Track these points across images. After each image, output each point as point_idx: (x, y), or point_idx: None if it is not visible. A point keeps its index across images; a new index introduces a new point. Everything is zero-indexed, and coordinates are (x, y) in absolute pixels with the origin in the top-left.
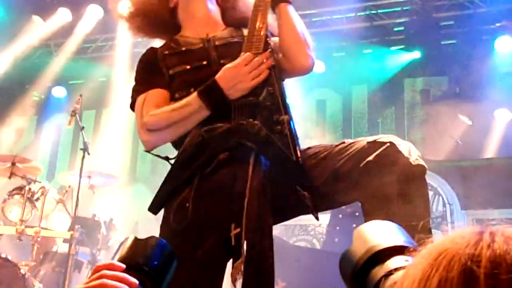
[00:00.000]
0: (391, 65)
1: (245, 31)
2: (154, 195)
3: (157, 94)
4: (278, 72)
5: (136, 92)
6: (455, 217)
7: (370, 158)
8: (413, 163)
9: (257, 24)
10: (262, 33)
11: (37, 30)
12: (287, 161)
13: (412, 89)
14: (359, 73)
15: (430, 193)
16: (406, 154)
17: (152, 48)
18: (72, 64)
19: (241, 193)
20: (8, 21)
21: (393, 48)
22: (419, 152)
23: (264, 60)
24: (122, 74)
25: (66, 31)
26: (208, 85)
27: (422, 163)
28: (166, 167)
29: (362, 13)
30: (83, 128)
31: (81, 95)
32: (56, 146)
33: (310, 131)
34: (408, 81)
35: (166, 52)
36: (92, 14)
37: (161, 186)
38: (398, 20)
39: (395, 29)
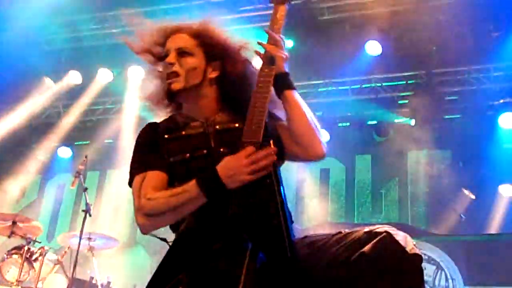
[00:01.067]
0: (396, 137)
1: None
2: (152, 262)
3: (155, 176)
4: (282, 157)
5: (135, 170)
6: None
7: (366, 248)
8: (409, 252)
9: (256, 109)
10: (261, 120)
11: (47, 91)
12: (282, 256)
13: (416, 161)
14: (363, 143)
15: (433, 267)
16: (402, 244)
17: (150, 125)
18: (79, 125)
19: None
20: (20, 82)
21: (397, 120)
22: (414, 242)
23: (265, 155)
24: (128, 136)
25: (75, 93)
26: (207, 173)
27: (418, 252)
28: (167, 232)
29: (368, 85)
30: (86, 189)
31: (86, 157)
32: (58, 206)
33: (314, 200)
34: (412, 154)
35: (166, 136)
36: (102, 77)
37: (156, 272)
38: (402, 93)
39: (400, 102)
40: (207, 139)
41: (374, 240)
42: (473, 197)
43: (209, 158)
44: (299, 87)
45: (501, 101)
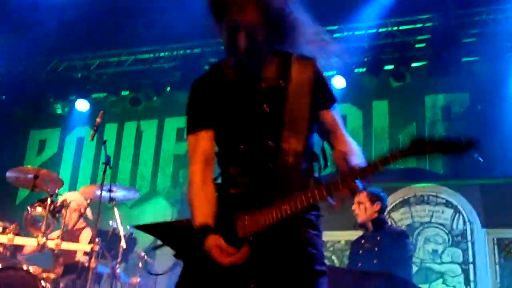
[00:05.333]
0: (412, 81)
1: (294, 65)
2: (173, 211)
3: (205, 138)
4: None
5: (188, 131)
6: (476, 235)
7: None
8: None
9: (283, 210)
10: (272, 223)
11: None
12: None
13: (433, 105)
14: (380, 89)
15: (450, 211)
16: None
17: (197, 83)
18: (95, 78)
19: None
20: None
21: (414, 64)
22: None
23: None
24: (144, 88)
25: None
26: (200, 231)
27: None
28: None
29: (384, 29)
30: (105, 142)
31: (103, 110)
32: (79, 159)
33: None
34: (429, 98)
35: (213, 91)
36: None
37: None
38: (419, 37)
39: (417, 45)
40: (252, 95)
41: None
42: (481, 159)
43: (252, 114)
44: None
45: None
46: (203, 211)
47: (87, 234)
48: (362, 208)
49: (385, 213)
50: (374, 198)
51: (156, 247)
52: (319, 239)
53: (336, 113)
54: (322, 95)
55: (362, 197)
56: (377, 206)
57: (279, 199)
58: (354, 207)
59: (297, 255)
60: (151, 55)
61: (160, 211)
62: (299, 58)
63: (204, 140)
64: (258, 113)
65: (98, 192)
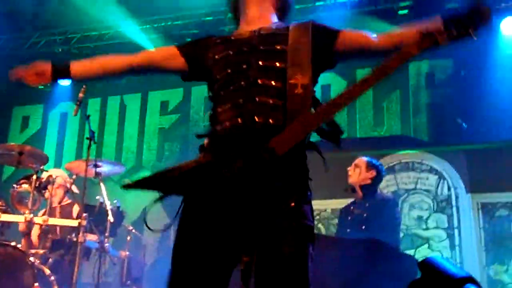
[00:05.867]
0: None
1: (291, 26)
2: None
3: (169, 50)
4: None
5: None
6: (460, 201)
7: None
8: None
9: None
10: (303, 134)
11: None
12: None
13: (417, 72)
14: None
15: (435, 177)
16: None
17: (210, 35)
18: (76, 53)
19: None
20: None
21: (401, 12)
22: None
23: None
24: None
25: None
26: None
27: None
28: (172, 155)
29: None
30: (88, 116)
31: (85, 85)
32: (63, 134)
33: None
34: (413, 65)
35: (218, 40)
36: None
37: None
38: (402, 4)
39: (400, 12)
40: (250, 40)
41: None
42: (465, 125)
43: (249, 54)
44: (296, 2)
45: (503, 5)
46: None
47: (75, 209)
48: (357, 171)
49: (377, 186)
50: (371, 165)
51: (145, 219)
52: (307, 206)
53: (349, 31)
54: (323, 33)
55: (360, 162)
56: (371, 174)
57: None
58: (350, 168)
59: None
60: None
61: None
62: (296, 24)
63: (161, 51)
64: (255, 55)
65: (84, 167)
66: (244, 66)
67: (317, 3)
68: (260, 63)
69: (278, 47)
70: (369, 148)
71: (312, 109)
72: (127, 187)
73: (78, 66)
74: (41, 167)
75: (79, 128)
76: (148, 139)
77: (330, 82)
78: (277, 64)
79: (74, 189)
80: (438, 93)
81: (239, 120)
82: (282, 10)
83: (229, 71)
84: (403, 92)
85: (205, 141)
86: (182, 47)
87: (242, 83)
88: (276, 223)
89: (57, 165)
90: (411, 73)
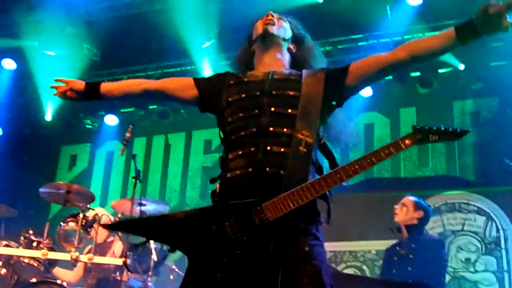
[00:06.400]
0: (440, 87)
1: (305, 72)
2: None
3: (184, 80)
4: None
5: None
6: (510, 243)
7: None
8: None
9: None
10: (295, 205)
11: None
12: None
13: (462, 111)
14: (407, 96)
15: (483, 218)
16: None
17: (227, 72)
18: None
19: None
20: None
21: (441, 70)
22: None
23: None
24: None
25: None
26: None
27: None
28: None
29: (409, 36)
30: (134, 156)
31: (132, 124)
32: (109, 173)
33: (358, 155)
34: (457, 103)
35: (232, 82)
36: None
37: None
38: None
39: None
40: (263, 84)
41: None
42: None
43: (261, 98)
44: (339, 42)
45: None
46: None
47: (118, 247)
48: (404, 210)
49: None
50: (419, 205)
51: (138, 245)
52: (321, 248)
53: (359, 60)
54: (335, 74)
55: (408, 201)
56: (419, 214)
57: (289, 185)
58: (397, 207)
59: (303, 270)
60: (178, 69)
61: None
62: (310, 71)
63: (176, 81)
64: (266, 102)
65: (129, 206)
66: (256, 111)
67: (360, 43)
68: (272, 109)
69: (291, 93)
70: (414, 188)
71: (312, 167)
72: (108, 227)
73: (105, 87)
74: (88, 206)
75: (125, 167)
76: (192, 178)
77: (373, 122)
78: (289, 110)
79: None
80: (484, 132)
81: (250, 169)
82: (299, 59)
83: (241, 115)
84: None
85: (217, 186)
86: (199, 81)
87: (254, 129)
88: (290, 271)
89: (103, 203)
90: (455, 111)
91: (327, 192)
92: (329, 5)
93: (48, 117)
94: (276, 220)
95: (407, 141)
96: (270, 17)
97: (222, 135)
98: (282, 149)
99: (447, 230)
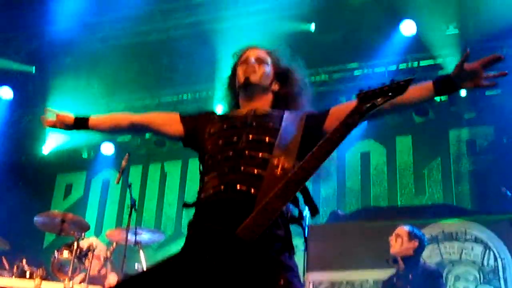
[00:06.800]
0: (436, 116)
1: (287, 112)
2: None
3: (171, 115)
4: None
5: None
6: (508, 272)
7: None
8: None
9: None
10: (267, 223)
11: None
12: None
13: (458, 139)
14: (403, 124)
15: (480, 247)
16: None
17: (212, 111)
18: None
19: None
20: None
21: (436, 99)
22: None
23: None
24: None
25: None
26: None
27: None
28: None
29: (404, 65)
30: (130, 185)
31: (128, 154)
32: (104, 202)
33: (355, 184)
34: (453, 132)
35: (216, 117)
36: None
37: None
38: (440, 72)
39: None
40: (246, 117)
41: None
42: (509, 193)
43: (241, 130)
44: (335, 72)
45: None
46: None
47: (112, 279)
48: (399, 242)
49: (420, 256)
50: (413, 235)
51: None
52: (296, 279)
53: (339, 105)
54: (314, 118)
55: (402, 231)
56: (414, 244)
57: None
58: (391, 238)
59: None
60: (175, 98)
61: None
62: (292, 111)
63: (162, 115)
64: (245, 131)
65: (124, 235)
66: (235, 139)
67: (356, 73)
68: (250, 137)
69: (271, 124)
70: (411, 217)
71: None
72: None
73: (93, 121)
74: (82, 235)
75: (120, 195)
76: None
77: (369, 150)
78: (267, 139)
79: (113, 258)
80: (480, 160)
81: (222, 187)
82: (282, 96)
83: (220, 143)
84: (444, 160)
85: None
86: (184, 116)
87: (230, 153)
88: None
89: (98, 232)
90: (451, 140)
91: (301, 217)
92: (324, 34)
93: (46, 150)
94: (251, 247)
95: (355, 117)
96: (251, 67)
97: (201, 169)
98: (256, 171)
99: (445, 259)
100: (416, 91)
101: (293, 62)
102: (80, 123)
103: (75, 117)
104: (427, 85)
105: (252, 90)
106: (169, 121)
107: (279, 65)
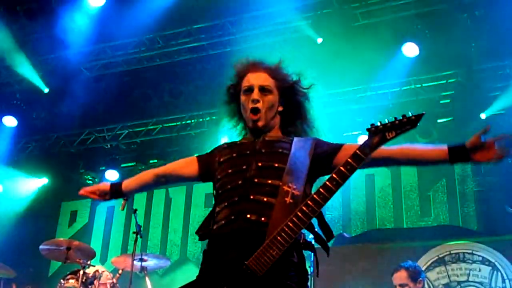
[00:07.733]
0: (439, 137)
1: (296, 138)
2: None
3: (188, 160)
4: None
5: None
6: None
7: None
8: None
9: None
10: (275, 257)
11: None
12: None
13: None
14: None
15: (488, 268)
16: None
17: (223, 144)
18: (124, 148)
19: None
20: None
21: (440, 120)
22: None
23: None
24: (173, 157)
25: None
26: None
27: None
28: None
29: (407, 87)
30: (135, 211)
31: None
32: (109, 228)
33: (360, 207)
34: None
35: (226, 146)
36: None
37: None
38: (443, 93)
39: (441, 101)
40: (254, 144)
41: None
42: None
43: (250, 157)
44: (338, 94)
45: None
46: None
47: None
48: None
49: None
50: (415, 275)
51: None
52: None
53: (351, 145)
54: (325, 148)
55: (403, 278)
56: (419, 284)
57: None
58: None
59: None
60: (178, 123)
61: (191, 278)
62: (300, 139)
63: (180, 160)
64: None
65: (130, 262)
66: (244, 167)
67: (359, 95)
68: (260, 164)
69: (280, 150)
70: (417, 239)
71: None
72: None
73: (125, 185)
74: (88, 262)
75: (125, 222)
76: (193, 232)
77: (374, 172)
78: (276, 164)
79: (119, 284)
80: (485, 181)
81: (232, 217)
82: (287, 114)
83: (230, 171)
84: (449, 181)
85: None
86: (201, 155)
87: (240, 181)
88: None
89: (103, 258)
90: None
91: (312, 241)
92: (328, 57)
93: None
94: (264, 276)
95: (366, 150)
96: (254, 105)
97: (214, 193)
98: (265, 199)
99: (452, 281)
100: (431, 152)
101: (295, 72)
102: (116, 190)
103: (110, 185)
104: (442, 150)
105: (261, 131)
106: (187, 164)
107: (283, 84)
